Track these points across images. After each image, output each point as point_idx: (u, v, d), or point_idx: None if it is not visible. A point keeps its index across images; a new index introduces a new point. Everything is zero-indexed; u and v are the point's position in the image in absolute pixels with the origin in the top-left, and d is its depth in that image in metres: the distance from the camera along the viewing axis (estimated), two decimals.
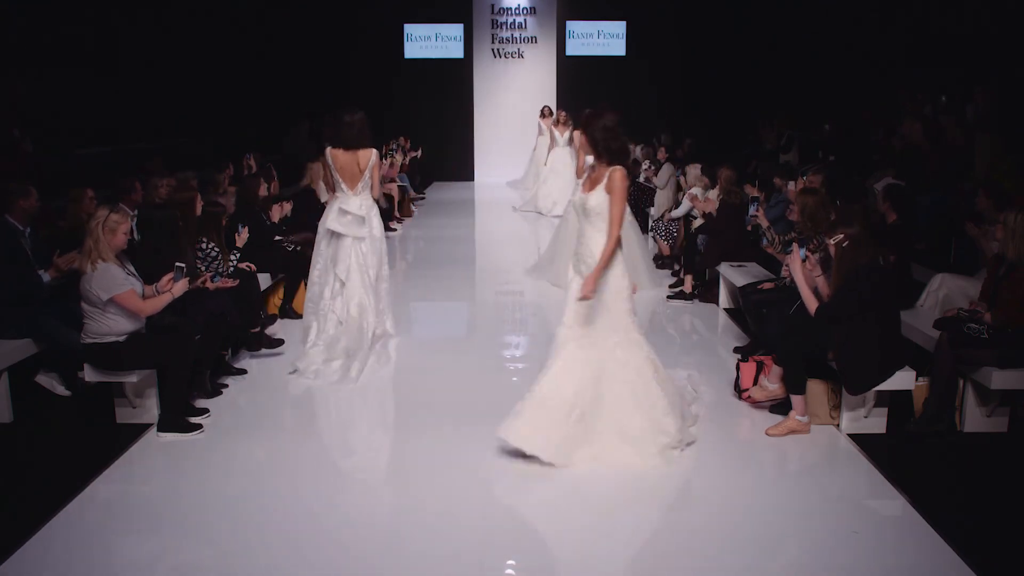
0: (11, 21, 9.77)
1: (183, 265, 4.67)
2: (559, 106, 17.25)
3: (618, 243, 4.06)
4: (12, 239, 5.10)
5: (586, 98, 11.96)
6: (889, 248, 5.20)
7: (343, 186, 5.61)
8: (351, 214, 5.58)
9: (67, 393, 5.15)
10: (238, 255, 6.04)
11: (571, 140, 12.21)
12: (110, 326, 4.45)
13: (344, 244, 5.61)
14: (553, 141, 13.14)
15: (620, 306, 4.16)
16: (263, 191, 7.11)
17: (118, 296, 4.37)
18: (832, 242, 4.49)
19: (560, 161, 12.70)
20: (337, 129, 5.60)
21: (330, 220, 5.61)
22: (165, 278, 4.68)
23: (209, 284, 5.38)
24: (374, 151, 5.66)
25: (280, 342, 5.98)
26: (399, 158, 13.36)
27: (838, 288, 4.46)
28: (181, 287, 4.60)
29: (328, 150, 5.63)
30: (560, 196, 12.00)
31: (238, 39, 13.89)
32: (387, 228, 10.84)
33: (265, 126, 13.93)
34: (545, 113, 14.66)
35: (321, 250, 5.71)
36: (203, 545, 3.48)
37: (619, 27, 16.75)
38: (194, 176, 7.08)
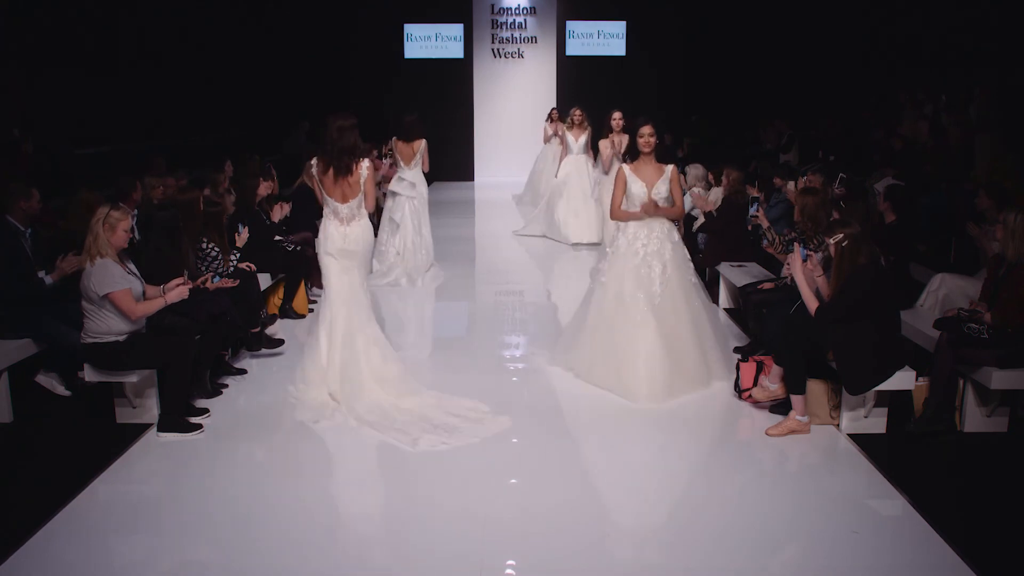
0: (11, 21, 9.77)
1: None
2: (561, 106, 17.13)
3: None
4: (13, 240, 5.10)
5: (586, 98, 11.86)
6: (887, 248, 5.21)
7: (401, 163, 8.26)
8: (406, 180, 8.24)
9: (67, 393, 5.15)
10: (238, 255, 6.04)
11: (588, 146, 10.38)
12: (109, 325, 4.45)
13: (400, 200, 8.29)
14: (565, 148, 10.48)
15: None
16: (262, 191, 7.10)
17: (112, 294, 4.37)
18: (832, 242, 4.49)
19: (575, 174, 10.30)
20: (399, 126, 8.30)
21: (392, 185, 8.35)
22: (174, 282, 4.68)
23: (209, 284, 5.38)
24: (424, 141, 8.22)
25: (280, 342, 5.98)
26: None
27: (839, 288, 4.46)
28: (175, 295, 4.59)
29: (393, 140, 8.40)
30: (578, 220, 10.06)
31: (238, 39, 13.89)
32: None
33: (265, 126, 13.92)
34: (553, 117, 12.58)
35: (385, 205, 8.53)
36: (203, 545, 3.48)
37: (619, 27, 16.75)
38: (184, 176, 7.09)
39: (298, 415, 4.77)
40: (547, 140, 12.47)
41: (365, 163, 4.88)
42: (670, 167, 5.28)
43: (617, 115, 8.80)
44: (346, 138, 4.77)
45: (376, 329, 5.02)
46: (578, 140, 10.32)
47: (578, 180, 10.19)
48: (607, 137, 8.75)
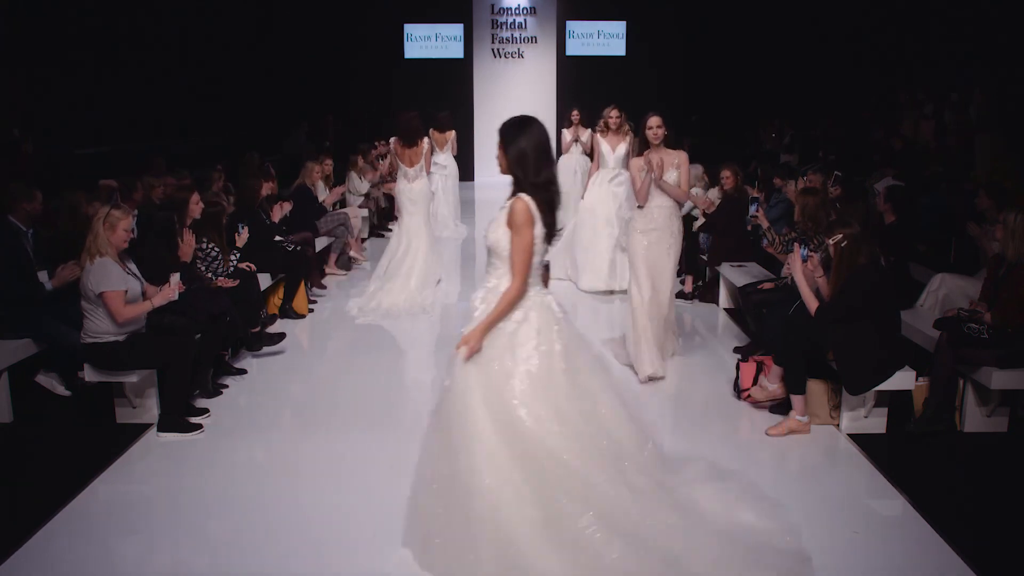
0: (12, 21, 9.78)
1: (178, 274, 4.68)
2: (561, 108, 16.86)
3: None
4: (14, 240, 5.11)
5: (586, 98, 11.77)
6: (887, 248, 5.20)
7: (437, 149, 10.44)
8: (440, 163, 10.58)
9: (67, 393, 5.15)
10: (238, 255, 6.04)
11: (627, 158, 7.45)
12: (108, 325, 4.44)
13: (435, 177, 10.25)
14: (598, 160, 7.84)
15: None
16: (263, 191, 7.10)
17: (106, 293, 4.37)
18: (831, 242, 4.49)
19: (610, 197, 7.68)
20: (436, 120, 10.40)
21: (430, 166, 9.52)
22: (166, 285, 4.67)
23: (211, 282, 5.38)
24: (454, 131, 10.69)
25: (282, 336, 5.97)
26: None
27: (838, 288, 4.46)
28: (161, 298, 4.57)
29: (431, 131, 10.05)
30: (618, 263, 7.47)
31: (238, 39, 13.89)
32: (386, 228, 10.87)
33: (265, 126, 13.92)
34: (575, 120, 10.19)
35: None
36: (203, 545, 3.48)
37: (619, 27, 16.74)
38: (186, 176, 7.09)
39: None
40: (567, 149, 10.26)
41: (425, 140, 7.53)
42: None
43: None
44: (412, 123, 7.46)
45: (426, 250, 7.40)
46: (615, 150, 7.67)
47: (615, 205, 7.60)
48: (637, 152, 5.78)
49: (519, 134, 3.09)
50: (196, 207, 5.58)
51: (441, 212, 10.68)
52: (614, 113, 7.67)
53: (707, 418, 4.85)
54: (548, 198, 3.10)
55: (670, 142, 5.44)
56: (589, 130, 9.74)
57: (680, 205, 5.52)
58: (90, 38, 11.01)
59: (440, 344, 6.51)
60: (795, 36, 14.40)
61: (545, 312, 3.12)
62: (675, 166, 5.41)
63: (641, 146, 5.55)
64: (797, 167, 9.24)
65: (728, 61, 15.41)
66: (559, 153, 10.45)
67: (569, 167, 10.19)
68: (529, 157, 3.07)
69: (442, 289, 7.92)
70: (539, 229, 3.08)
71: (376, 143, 11.68)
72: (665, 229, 5.40)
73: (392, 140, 7.59)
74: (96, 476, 4.05)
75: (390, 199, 11.46)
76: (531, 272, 3.12)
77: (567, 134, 10.40)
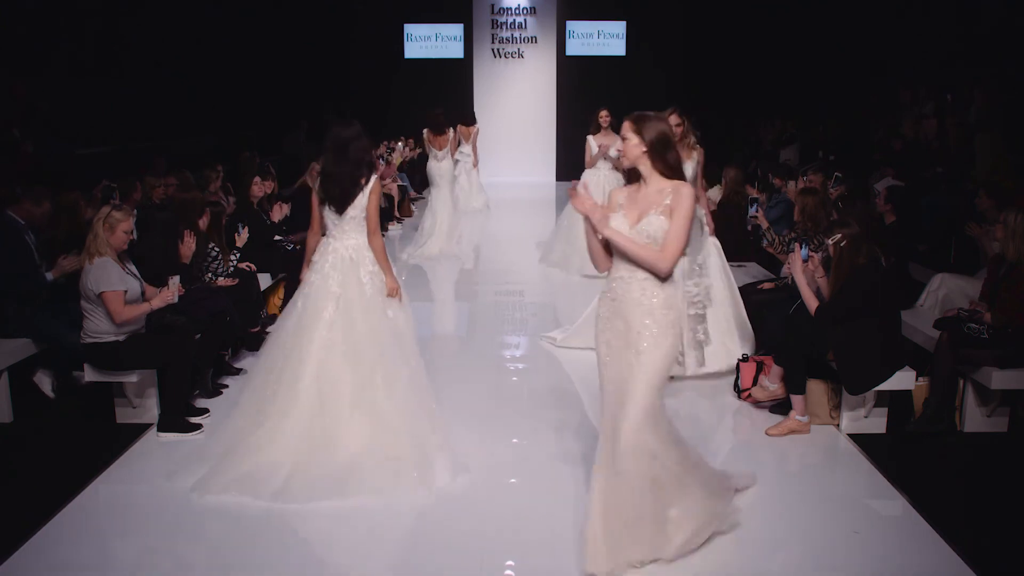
0: (12, 22, 9.77)
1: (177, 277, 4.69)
2: (562, 108, 16.88)
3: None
4: (16, 235, 5.11)
5: (586, 98, 11.80)
6: (888, 249, 5.20)
7: (462, 141, 11.92)
8: (465, 152, 12.06)
9: (51, 395, 5.12)
10: (238, 255, 6.03)
11: (701, 181, 5.61)
12: (108, 325, 4.44)
13: (460, 164, 11.56)
14: None
15: None
16: (257, 191, 7.08)
17: (106, 293, 4.36)
18: (831, 243, 4.49)
19: None
20: (463, 116, 12.19)
21: (456, 154, 10.98)
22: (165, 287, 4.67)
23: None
24: (477, 126, 12.37)
25: None
26: (396, 158, 13.32)
27: (838, 288, 4.46)
28: (160, 300, 4.56)
29: (459, 125, 11.60)
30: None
31: (238, 39, 13.88)
32: (384, 228, 10.86)
33: (265, 126, 13.92)
34: (603, 123, 8.06)
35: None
36: (202, 545, 3.48)
37: (619, 27, 16.76)
38: (187, 176, 7.09)
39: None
40: (592, 163, 8.15)
41: (451, 130, 9.86)
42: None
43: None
44: (439, 118, 9.78)
45: (448, 213, 9.59)
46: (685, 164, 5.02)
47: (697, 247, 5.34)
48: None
49: (331, 131, 4.13)
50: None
51: (464, 189, 12.31)
52: (673, 119, 5.15)
53: (707, 418, 4.84)
54: (322, 184, 4.19)
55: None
56: (619, 138, 8.40)
57: (661, 278, 3.13)
58: (90, 38, 11.00)
59: (435, 345, 6.52)
60: (795, 36, 14.40)
61: (322, 259, 4.23)
62: (659, 209, 3.14)
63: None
64: (797, 167, 9.24)
65: (728, 61, 15.41)
66: (583, 166, 8.35)
67: (595, 186, 7.67)
68: (328, 151, 4.13)
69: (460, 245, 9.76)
70: (321, 197, 4.21)
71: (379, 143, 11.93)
72: (633, 316, 3.11)
73: (425, 131, 9.84)
74: (96, 476, 4.05)
75: (390, 199, 11.49)
76: (316, 226, 4.33)
77: (593, 142, 8.13)
